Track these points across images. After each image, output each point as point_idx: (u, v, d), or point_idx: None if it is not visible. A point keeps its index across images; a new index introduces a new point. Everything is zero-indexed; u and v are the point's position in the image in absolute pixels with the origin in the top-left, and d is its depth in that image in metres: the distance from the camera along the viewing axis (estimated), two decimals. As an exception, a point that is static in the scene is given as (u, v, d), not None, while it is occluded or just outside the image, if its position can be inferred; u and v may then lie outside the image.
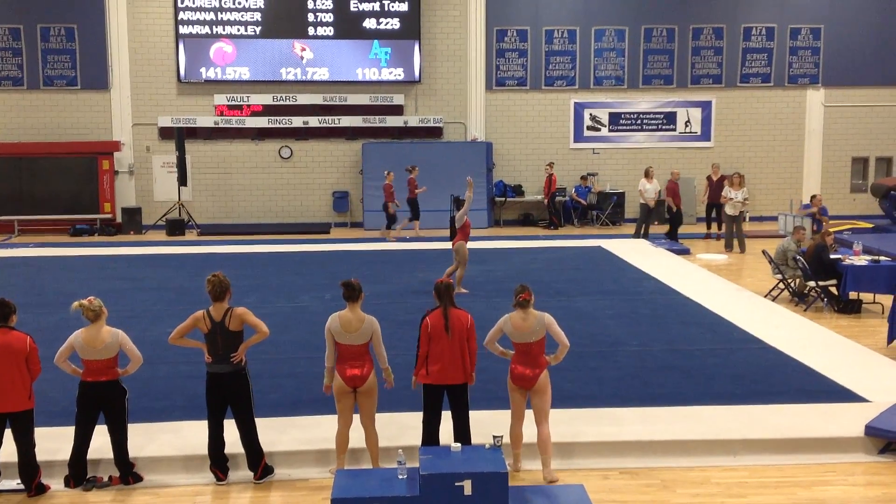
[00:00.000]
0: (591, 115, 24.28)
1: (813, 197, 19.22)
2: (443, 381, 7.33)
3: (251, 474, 7.45)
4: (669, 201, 20.31)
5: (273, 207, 23.97)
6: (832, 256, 13.57)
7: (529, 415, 7.53)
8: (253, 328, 7.34)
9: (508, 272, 16.32)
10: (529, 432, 7.55)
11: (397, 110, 23.87)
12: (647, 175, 20.88)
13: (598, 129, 24.34)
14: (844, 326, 12.49)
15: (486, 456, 6.40)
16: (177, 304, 13.48)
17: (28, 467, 7.14)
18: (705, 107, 24.41)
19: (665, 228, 20.75)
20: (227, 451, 7.44)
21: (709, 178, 21.63)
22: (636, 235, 20.84)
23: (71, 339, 7.23)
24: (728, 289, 14.92)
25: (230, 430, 7.43)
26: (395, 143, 23.70)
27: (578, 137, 24.36)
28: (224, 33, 23.22)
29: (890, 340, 11.05)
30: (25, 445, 7.12)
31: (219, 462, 7.40)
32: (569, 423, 7.99)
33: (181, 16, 23.06)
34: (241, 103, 23.56)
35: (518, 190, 24.13)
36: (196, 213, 23.46)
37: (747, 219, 20.68)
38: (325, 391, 7.41)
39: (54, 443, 7.58)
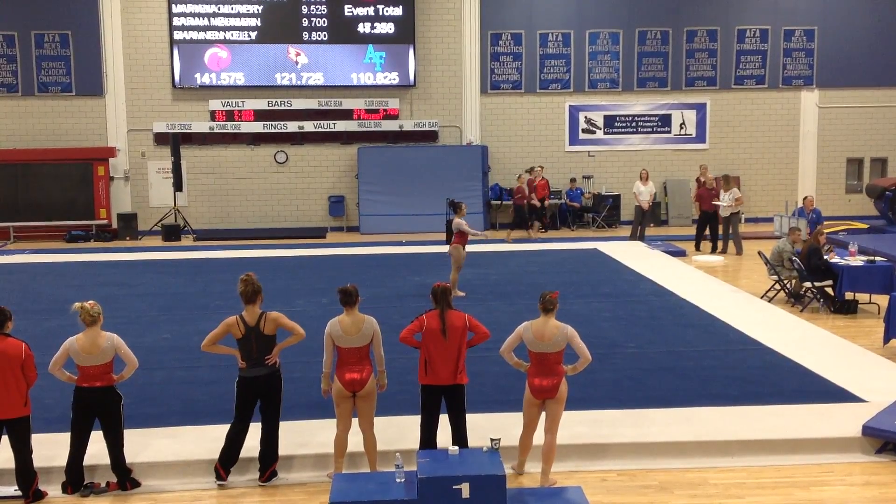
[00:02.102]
0: (586, 117, 24.30)
1: (804, 199, 19.23)
2: (440, 381, 7.33)
3: (251, 479, 7.44)
4: (695, 207, 20.30)
5: (269, 212, 23.96)
6: (824, 258, 13.56)
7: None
8: (289, 331, 7.38)
9: (504, 275, 16.33)
10: (537, 437, 7.52)
11: (392, 114, 23.86)
12: (642, 177, 20.91)
13: (594, 132, 24.36)
14: (841, 327, 12.51)
15: (483, 459, 6.40)
16: (173, 310, 13.46)
17: (25, 474, 7.13)
18: (700, 109, 24.44)
19: (664, 231, 20.72)
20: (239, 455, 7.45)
21: (697, 179, 21.67)
22: (632, 238, 20.85)
23: (66, 346, 7.22)
24: (724, 290, 14.94)
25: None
26: (391, 147, 23.71)
27: (574, 140, 24.38)
28: (218, 39, 23.21)
29: (886, 340, 11.08)
30: (22, 452, 7.11)
31: (227, 462, 7.39)
32: (566, 426, 7.97)
33: (175, 21, 23.05)
34: (236, 108, 23.55)
35: (513, 193, 24.11)
36: (192, 218, 23.44)
37: (743, 220, 20.66)
38: (324, 396, 7.43)
39: (51, 449, 7.56)
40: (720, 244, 19.52)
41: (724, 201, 19.16)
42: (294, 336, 7.43)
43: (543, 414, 7.33)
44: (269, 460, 7.43)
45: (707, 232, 19.87)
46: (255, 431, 7.49)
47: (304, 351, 10.88)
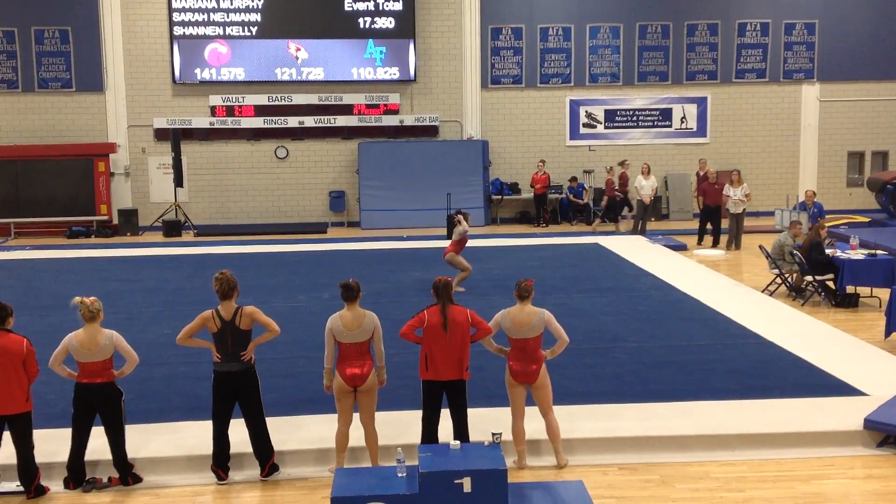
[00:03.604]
0: (586, 112, 24.28)
1: (806, 192, 19.11)
2: (441, 377, 7.34)
3: (251, 475, 7.45)
4: (699, 201, 20.02)
5: (269, 207, 23.95)
6: (826, 252, 13.55)
7: (528, 411, 7.54)
8: (263, 327, 7.36)
9: (506, 270, 16.31)
10: (530, 429, 7.56)
11: (393, 109, 23.84)
12: (643, 172, 20.87)
13: (594, 127, 24.33)
14: (842, 320, 12.50)
15: (485, 453, 6.40)
16: (174, 306, 13.45)
17: (27, 469, 7.14)
18: (701, 103, 24.41)
19: (665, 225, 20.64)
20: (230, 451, 7.44)
21: (697, 173, 21.59)
22: (634, 232, 20.82)
23: (65, 342, 7.22)
24: (725, 284, 14.94)
25: (235, 430, 7.43)
26: (391, 142, 23.69)
27: (574, 135, 24.35)
28: (218, 34, 23.19)
29: (887, 334, 11.07)
30: (24, 447, 7.12)
31: (221, 462, 7.40)
32: (567, 420, 7.99)
33: (175, 17, 23.01)
34: (237, 104, 23.53)
35: (515, 188, 24.11)
36: (192, 214, 23.43)
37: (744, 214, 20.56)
38: (326, 391, 7.42)
39: (53, 445, 7.57)
40: (723, 238, 19.32)
41: (735, 196, 18.78)
42: (269, 332, 7.39)
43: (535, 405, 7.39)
44: (264, 456, 7.43)
45: (709, 226, 19.76)
46: (241, 427, 7.45)
47: (305, 346, 10.92)
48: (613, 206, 21.76)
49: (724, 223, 19.39)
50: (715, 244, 19.45)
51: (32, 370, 7.13)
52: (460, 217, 14.29)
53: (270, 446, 7.46)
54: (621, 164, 22.28)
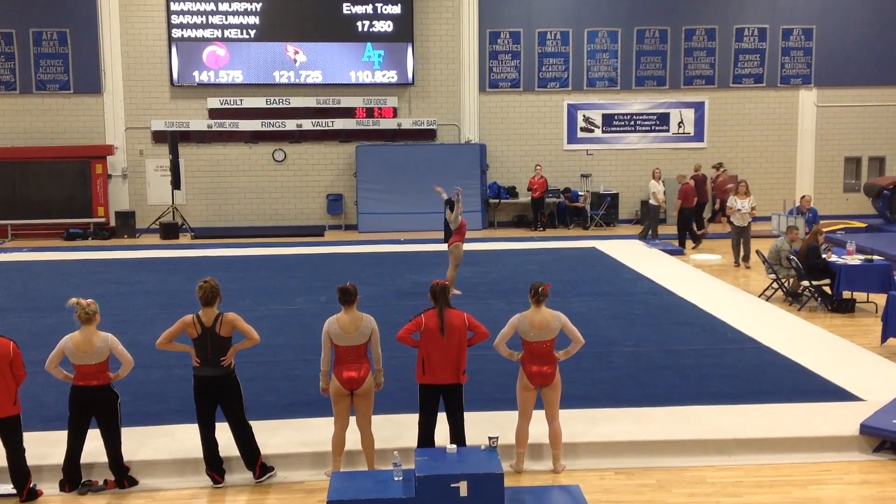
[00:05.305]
0: (584, 116, 24.30)
1: (802, 198, 19.02)
2: (438, 380, 7.34)
3: (248, 476, 7.45)
4: (678, 203, 19.59)
5: (267, 210, 23.94)
6: (822, 257, 13.56)
7: (534, 415, 7.53)
8: (243, 334, 7.33)
9: (503, 274, 16.33)
10: (531, 433, 7.55)
11: (391, 113, 23.85)
12: (655, 176, 20.62)
13: (592, 131, 24.36)
14: (838, 326, 12.52)
15: (481, 457, 6.40)
16: (171, 308, 13.41)
17: (19, 472, 7.12)
18: (698, 107, 24.44)
19: (661, 229, 20.65)
20: (221, 453, 7.43)
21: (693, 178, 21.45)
22: (654, 237, 20.49)
23: (61, 345, 7.20)
24: (722, 289, 14.95)
25: (222, 432, 7.42)
26: (389, 145, 23.70)
27: (572, 139, 24.37)
28: (217, 37, 23.19)
29: (884, 339, 11.08)
30: (15, 451, 7.10)
31: (214, 465, 7.39)
32: (564, 424, 7.97)
33: (174, 19, 23.02)
34: (235, 106, 23.53)
35: (512, 192, 24.12)
36: (190, 216, 23.42)
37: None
38: (323, 394, 7.42)
39: (47, 447, 7.56)
40: (724, 244, 19.08)
41: (744, 209, 17.38)
42: (248, 340, 7.36)
43: (542, 408, 7.38)
44: (251, 458, 7.41)
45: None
46: (227, 432, 7.45)
47: (302, 349, 10.91)
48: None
49: (717, 229, 19.17)
50: (682, 245, 19.40)
51: (19, 373, 7.09)
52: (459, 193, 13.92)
53: (256, 448, 7.43)
54: (717, 167, 22.07)
